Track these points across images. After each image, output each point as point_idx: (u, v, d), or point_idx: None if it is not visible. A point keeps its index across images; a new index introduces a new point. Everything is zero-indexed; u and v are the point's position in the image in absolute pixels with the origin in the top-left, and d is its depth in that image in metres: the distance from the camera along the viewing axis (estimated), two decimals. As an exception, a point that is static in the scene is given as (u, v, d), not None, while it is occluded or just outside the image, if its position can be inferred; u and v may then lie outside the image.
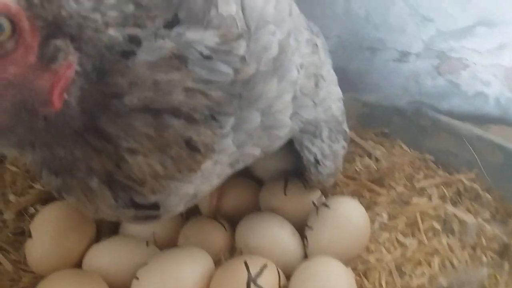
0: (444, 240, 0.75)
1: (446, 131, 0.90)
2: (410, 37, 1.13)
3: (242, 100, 0.53)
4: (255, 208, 0.82)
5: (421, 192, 0.83)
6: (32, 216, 0.78)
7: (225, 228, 0.76)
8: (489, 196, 0.83)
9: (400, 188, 0.84)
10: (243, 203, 0.82)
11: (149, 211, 0.52)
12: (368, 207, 0.81)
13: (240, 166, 0.60)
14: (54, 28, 0.39)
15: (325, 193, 0.84)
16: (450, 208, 0.77)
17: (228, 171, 0.59)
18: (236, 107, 0.52)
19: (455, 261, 0.73)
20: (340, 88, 0.86)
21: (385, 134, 0.98)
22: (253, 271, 0.64)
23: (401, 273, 0.72)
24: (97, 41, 0.41)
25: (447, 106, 1.17)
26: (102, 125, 0.45)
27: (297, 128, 0.65)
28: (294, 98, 0.61)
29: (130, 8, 0.44)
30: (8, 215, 0.79)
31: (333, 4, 1.15)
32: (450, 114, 1.15)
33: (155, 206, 0.52)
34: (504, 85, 1.10)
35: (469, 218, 0.76)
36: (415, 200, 0.81)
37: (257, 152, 0.60)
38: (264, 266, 0.65)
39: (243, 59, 0.51)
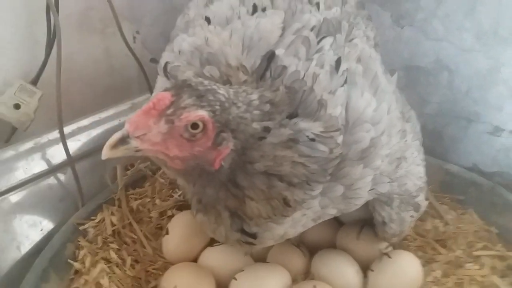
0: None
1: (514, 212, 1.02)
2: (507, 115, 1.23)
3: (332, 175, 0.74)
4: (331, 243, 1.02)
5: (477, 259, 0.97)
6: (169, 217, 1.07)
7: (304, 255, 0.98)
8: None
9: (459, 252, 0.99)
10: (322, 238, 1.03)
11: (249, 238, 0.76)
12: (427, 262, 0.98)
13: (320, 221, 0.81)
14: (223, 126, 0.64)
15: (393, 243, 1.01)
16: (495, 280, 0.90)
17: (310, 224, 0.80)
18: (326, 179, 0.73)
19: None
20: (434, 150, 0.99)
21: (460, 201, 1.12)
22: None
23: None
24: (246, 132, 0.66)
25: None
26: (238, 179, 0.70)
27: (371, 197, 0.84)
28: (374, 178, 0.79)
29: (267, 107, 0.68)
30: (153, 214, 1.10)
31: (438, 75, 1.30)
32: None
33: (254, 236, 0.76)
34: None
35: (509, 290, 0.88)
36: (469, 265, 0.95)
37: (334, 212, 0.80)
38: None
39: (338, 144, 0.72)
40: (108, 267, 0.96)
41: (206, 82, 0.66)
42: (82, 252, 0.97)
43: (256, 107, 0.67)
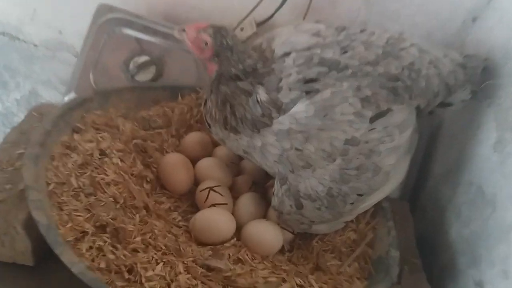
0: None
1: None
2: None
3: (258, 131, 1.11)
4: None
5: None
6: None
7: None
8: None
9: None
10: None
11: (208, 125, 1.19)
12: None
13: (248, 156, 1.19)
14: (218, 54, 1.07)
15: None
16: None
17: (241, 152, 1.19)
18: (253, 130, 1.11)
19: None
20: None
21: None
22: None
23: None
24: (225, 68, 1.09)
25: None
26: (213, 87, 1.12)
27: (276, 169, 1.13)
28: (280, 155, 1.10)
29: (250, 70, 1.11)
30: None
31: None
32: None
33: (209, 125, 1.18)
34: None
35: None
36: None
37: (257, 157, 1.16)
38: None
39: (271, 116, 1.09)
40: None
41: (230, 33, 1.10)
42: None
43: (244, 64, 1.08)
